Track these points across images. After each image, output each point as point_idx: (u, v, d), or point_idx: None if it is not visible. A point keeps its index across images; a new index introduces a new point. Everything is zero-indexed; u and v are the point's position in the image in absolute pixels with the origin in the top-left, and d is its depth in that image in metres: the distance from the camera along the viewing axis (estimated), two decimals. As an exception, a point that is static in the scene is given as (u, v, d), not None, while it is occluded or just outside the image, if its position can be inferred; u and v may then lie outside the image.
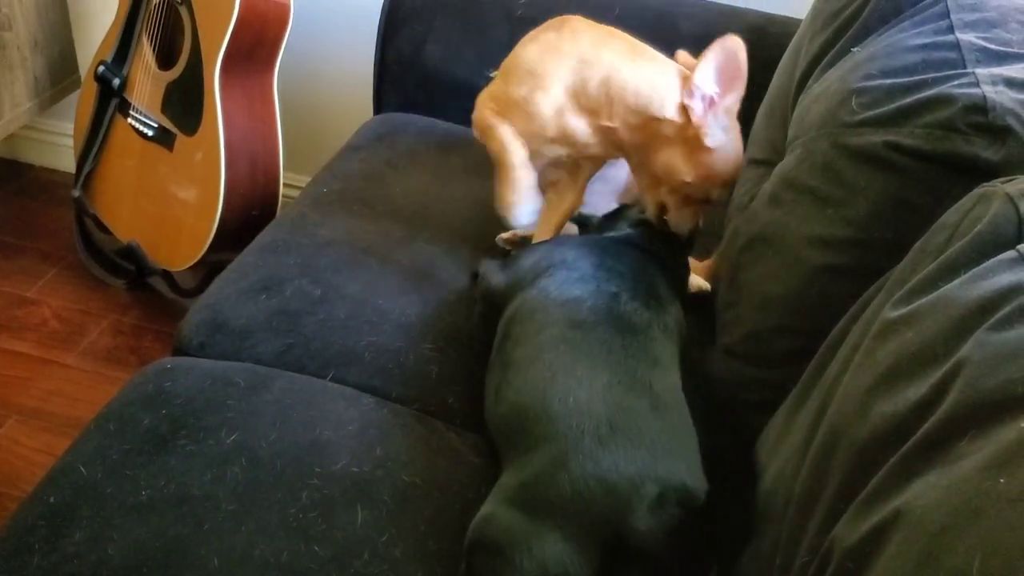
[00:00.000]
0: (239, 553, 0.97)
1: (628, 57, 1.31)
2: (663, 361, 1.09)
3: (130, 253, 2.06)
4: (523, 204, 1.34)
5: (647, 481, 0.93)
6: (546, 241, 1.35)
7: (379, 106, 1.93)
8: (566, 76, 1.31)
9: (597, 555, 0.92)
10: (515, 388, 1.08)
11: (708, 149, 1.27)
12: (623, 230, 1.32)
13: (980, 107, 0.99)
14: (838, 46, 1.30)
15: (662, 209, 1.33)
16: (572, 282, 1.16)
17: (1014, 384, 0.65)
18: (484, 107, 1.38)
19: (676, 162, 1.28)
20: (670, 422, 1.02)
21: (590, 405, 1.00)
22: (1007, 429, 0.62)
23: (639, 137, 1.31)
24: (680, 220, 1.33)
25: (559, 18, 1.37)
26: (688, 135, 1.27)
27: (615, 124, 1.30)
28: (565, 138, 1.34)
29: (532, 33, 1.38)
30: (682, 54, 1.36)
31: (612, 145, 1.35)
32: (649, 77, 1.29)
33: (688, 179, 1.28)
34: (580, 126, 1.32)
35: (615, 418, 0.99)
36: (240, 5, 1.78)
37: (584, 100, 1.31)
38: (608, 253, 1.23)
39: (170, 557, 0.96)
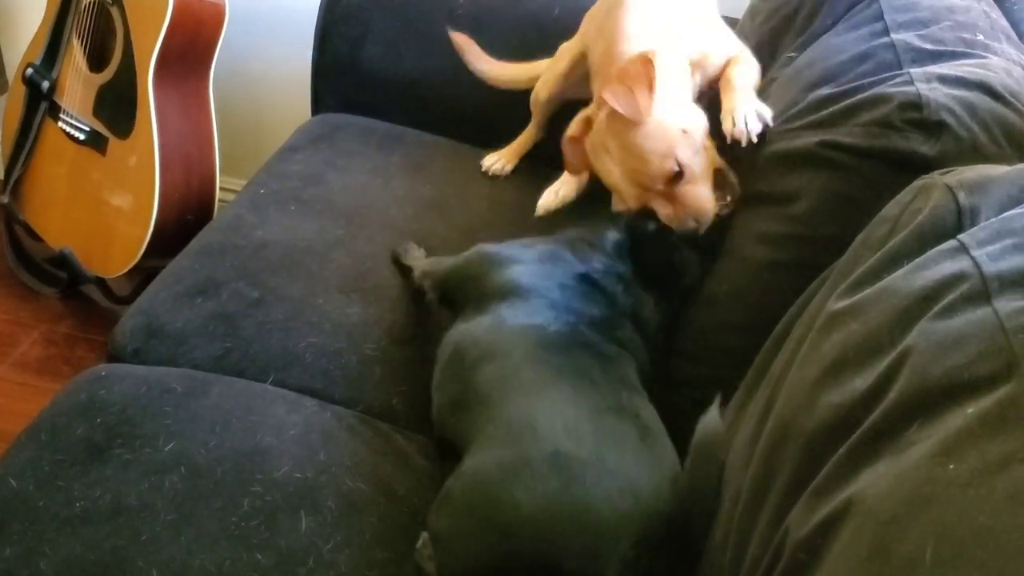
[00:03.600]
0: (179, 563, 0.95)
1: None
2: (638, 386, 1.09)
3: (62, 261, 2.00)
4: None
5: (631, 527, 0.90)
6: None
7: (317, 107, 1.91)
8: None
9: None
10: (492, 403, 1.03)
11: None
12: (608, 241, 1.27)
13: (915, 104, 1.00)
14: (776, 45, 1.32)
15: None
16: (533, 311, 1.14)
17: (959, 371, 0.65)
18: None
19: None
20: (656, 452, 1.00)
21: (580, 430, 0.97)
22: (954, 416, 0.63)
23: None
24: (671, 215, 1.23)
25: None
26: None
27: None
28: None
29: None
30: None
31: None
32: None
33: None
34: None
35: (607, 447, 0.96)
36: (173, 5, 1.74)
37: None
38: (568, 281, 1.19)
39: (106, 570, 0.93)
